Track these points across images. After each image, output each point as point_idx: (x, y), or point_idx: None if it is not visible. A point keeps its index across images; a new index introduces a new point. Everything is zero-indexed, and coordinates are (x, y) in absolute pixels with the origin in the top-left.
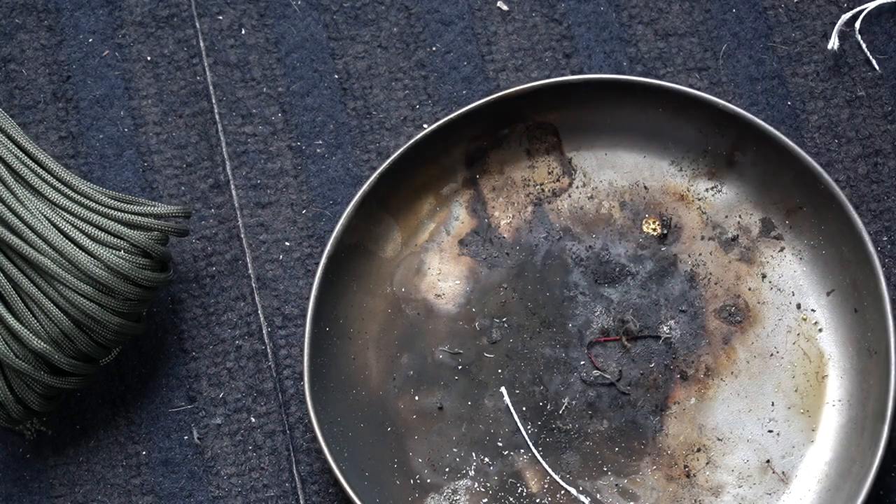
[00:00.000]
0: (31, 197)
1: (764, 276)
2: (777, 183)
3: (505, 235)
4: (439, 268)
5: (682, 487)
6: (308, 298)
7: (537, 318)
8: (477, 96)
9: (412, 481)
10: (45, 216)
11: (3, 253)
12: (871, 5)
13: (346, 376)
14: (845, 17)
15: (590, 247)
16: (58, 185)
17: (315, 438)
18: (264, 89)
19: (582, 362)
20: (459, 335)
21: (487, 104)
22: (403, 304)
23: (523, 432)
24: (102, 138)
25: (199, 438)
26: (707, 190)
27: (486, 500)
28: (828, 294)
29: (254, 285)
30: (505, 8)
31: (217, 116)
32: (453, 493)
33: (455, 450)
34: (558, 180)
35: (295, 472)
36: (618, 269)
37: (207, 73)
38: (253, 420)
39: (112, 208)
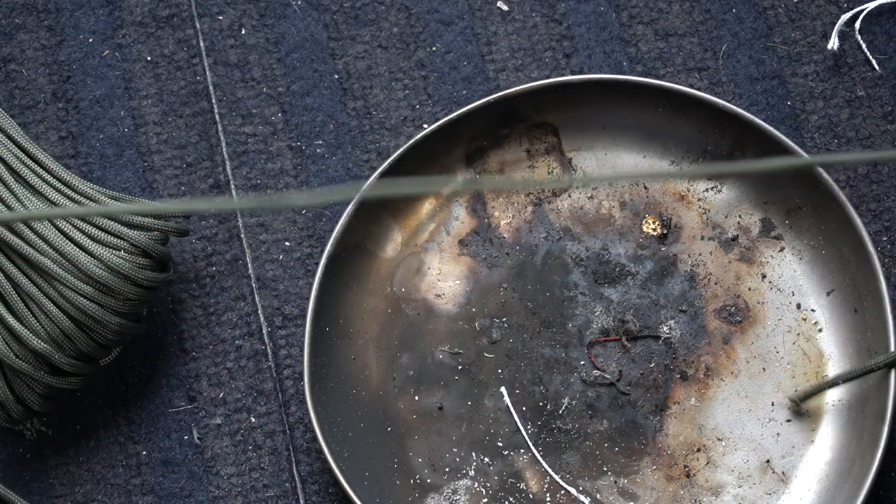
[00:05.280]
0: (31, 197)
1: (764, 276)
2: (777, 183)
3: (505, 235)
4: (439, 268)
5: (682, 487)
6: (308, 298)
7: (537, 318)
8: (477, 96)
9: (412, 481)
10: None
11: (3, 253)
12: (871, 5)
13: (346, 376)
14: (845, 17)
15: (590, 247)
16: (58, 185)
17: (315, 438)
18: (264, 89)
19: (582, 362)
20: (459, 335)
21: (487, 104)
22: (403, 304)
23: (523, 432)
24: (102, 138)
25: (199, 438)
26: (707, 190)
27: (486, 500)
28: (828, 294)
29: (254, 285)
30: (505, 8)
31: (217, 116)
32: (453, 493)
33: (455, 450)
34: (558, 180)
35: (295, 472)
36: (618, 269)
37: (207, 73)
38: (253, 420)
39: None
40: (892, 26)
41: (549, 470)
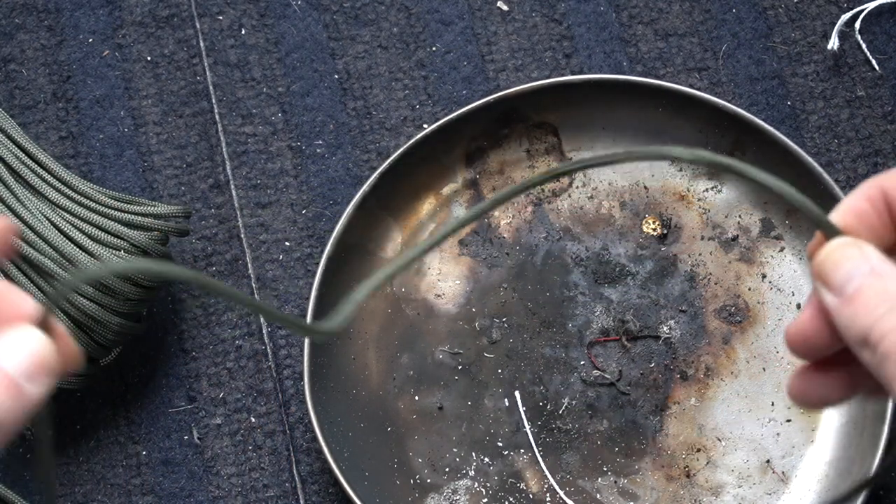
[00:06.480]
0: (31, 197)
1: (764, 276)
2: None
3: (505, 235)
4: (439, 268)
5: (682, 487)
6: (308, 298)
7: (537, 318)
8: (477, 96)
9: (412, 481)
10: (45, 216)
11: None
12: (871, 5)
13: (346, 376)
14: (845, 17)
15: (590, 247)
16: (58, 185)
17: (315, 438)
18: (264, 89)
19: (582, 362)
20: (459, 335)
21: (487, 104)
22: (403, 304)
23: (528, 433)
24: (102, 138)
25: (199, 438)
26: (707, 190)
27: (486, 500)
28: None
29: (254, 285)
30: (505, 8)
31: (217, 116)
32: (453, 493)
33: (455, 450)
34: (558, 180)
35: (295, 472)
36: (618, 269)
37: (207, 73)
38: (253, 420)
39: (112, 208)
40: (892, 26)
41: (548, 473)
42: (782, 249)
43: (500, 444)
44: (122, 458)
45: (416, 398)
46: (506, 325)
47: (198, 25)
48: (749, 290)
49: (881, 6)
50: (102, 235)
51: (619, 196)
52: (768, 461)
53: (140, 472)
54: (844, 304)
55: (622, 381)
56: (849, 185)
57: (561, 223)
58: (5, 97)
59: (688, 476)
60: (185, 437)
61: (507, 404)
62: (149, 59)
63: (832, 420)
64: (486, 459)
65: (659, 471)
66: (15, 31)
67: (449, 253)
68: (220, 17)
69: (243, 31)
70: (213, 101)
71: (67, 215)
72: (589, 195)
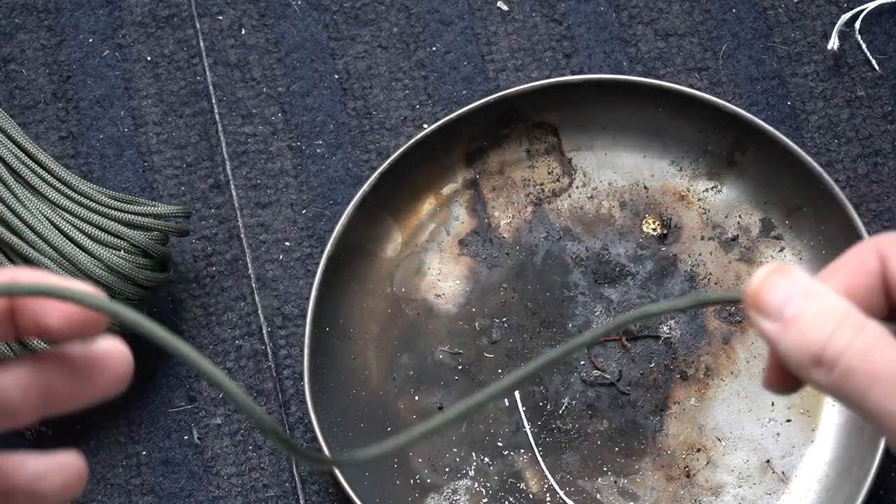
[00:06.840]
0: (31, 197)
1: None
2: (777, 183)
3: (505, 235)
4: (439, 268)
5: (682, 487)
6: (308, 298)
7: (537, 318)
8: (477, 96)
9: (412, 481)
10: (45, 216)
11: (3, 253)
12: (871, 5)
13: (346, 376)
14: (845, 17)
15: (590, 247)
16: (58, 185)
17: (315, 438)
18: (264, 89)
19: (582, 362)
20: (459, 335)
21: (487, 104)
22: (403, 304)
23: (529, 435)
24: (102, 138)
25: (199, 438)
26: (707, 190)
27: (486, 500)
28: None
29: (254, 285)
30: (505, 8)
31: (217, 116)
32: (453, 493)
33: (455, 450)
34: (558, 180)
35: (295, 472)
36: (618, 269)
37: (207, 73)
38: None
39: (112, 208)
40: (892, 26)
41: (548, 473)
42: (782, 249)
43: (500, 444)
44: (122, 458)
45: (416, 398)
46: (506, 325)
47: (198, 25)
48: None
49: (881, 6)
50: (102, 235)
51: (619, 196)
52: (768, 461)
53: (140, 472)
54: (786, 328)
55: (622, 381)
56: (849, 184)
57: (561, 223)
58: (5, 97)
59: (688, 476)
60: (185, 437)
61: (507, 404)
62: (149, 59)
63: (832, 420)
64: (486, 459)
65: (659, 471)
66: (15, 31)
67: (449, 253)
68: (220, 17)
69: (243, 31)
70: (213, 101)
71: (67, 215)
72: (589, 195)
